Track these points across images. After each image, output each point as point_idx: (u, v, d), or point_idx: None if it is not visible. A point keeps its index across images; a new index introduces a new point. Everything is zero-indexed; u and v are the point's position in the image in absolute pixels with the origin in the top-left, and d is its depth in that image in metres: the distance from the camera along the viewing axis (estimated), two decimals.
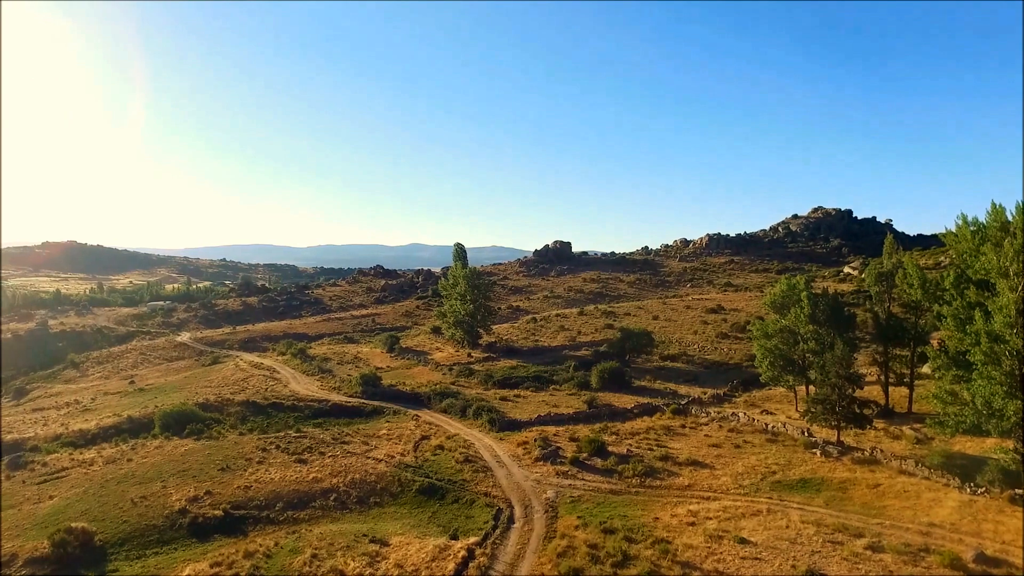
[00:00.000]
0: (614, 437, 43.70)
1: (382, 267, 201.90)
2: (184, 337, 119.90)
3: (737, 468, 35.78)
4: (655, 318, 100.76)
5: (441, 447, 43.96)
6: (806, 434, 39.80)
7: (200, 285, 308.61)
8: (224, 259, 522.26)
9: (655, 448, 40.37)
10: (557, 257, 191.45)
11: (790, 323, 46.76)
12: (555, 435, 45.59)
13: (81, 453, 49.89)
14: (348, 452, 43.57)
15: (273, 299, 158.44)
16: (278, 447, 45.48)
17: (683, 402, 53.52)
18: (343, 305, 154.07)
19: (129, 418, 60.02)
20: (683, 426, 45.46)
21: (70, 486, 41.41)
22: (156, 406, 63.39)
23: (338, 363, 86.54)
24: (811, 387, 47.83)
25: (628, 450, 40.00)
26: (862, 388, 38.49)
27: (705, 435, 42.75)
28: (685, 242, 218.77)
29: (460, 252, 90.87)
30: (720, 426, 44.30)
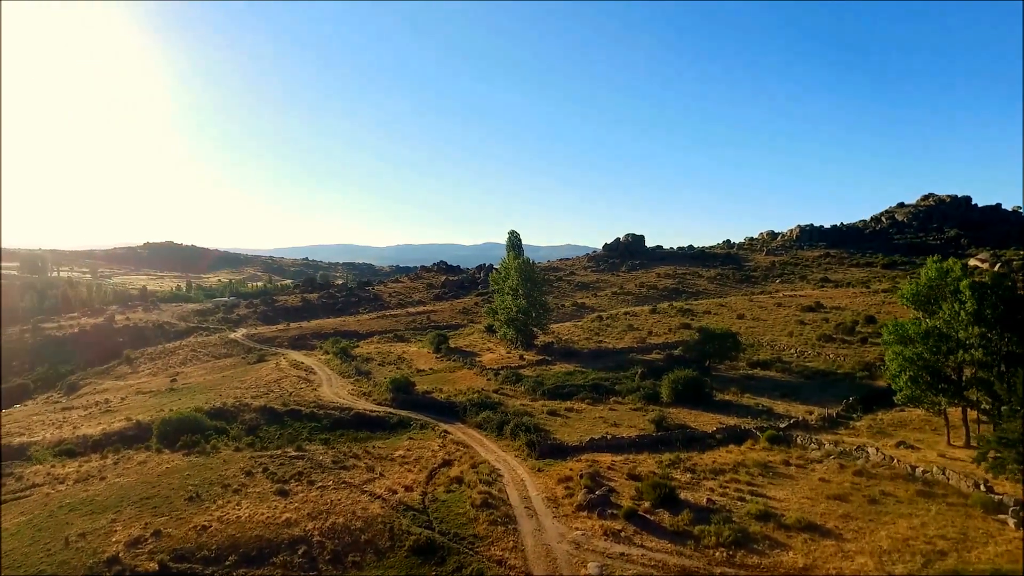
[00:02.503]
0: (689, 476, 32.28)
1: (445, 263, 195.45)
2: (237, 334, 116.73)
3: (880, 541, 23.66)
4: (740, 317, 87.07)
5: (460, 479, 34.04)
6: (981, 487, 26.89)
7: (282, 283, 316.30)
8: (306, 258, 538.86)
9: (748, 498, 28.66)
10: (629, 251, 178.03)
11: (941, 324, 33.58)
12: (610, 468, 34.69)
13: (64, 466, 43.75)
14: (343, 482, 34.46)
15: (332, 295, 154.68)
16: (266, 469, 37.10)
17: (782, 425, 41.10)
18: (401, 302, 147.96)
19: (138, 423, 54.25)
20: (786, 462, 33.29)
21: (20, 512, 34.63)
22: (171, 410, 57.58)
23: (380, 364, 78.85)
24: (970, 411, 34.43)
25: (709, 500, 28.54)
26: None
27: (820, 479, 30.51)
28: (773, 234, 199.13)
29: (514, 241, 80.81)
30: (841, 466, 31.80)
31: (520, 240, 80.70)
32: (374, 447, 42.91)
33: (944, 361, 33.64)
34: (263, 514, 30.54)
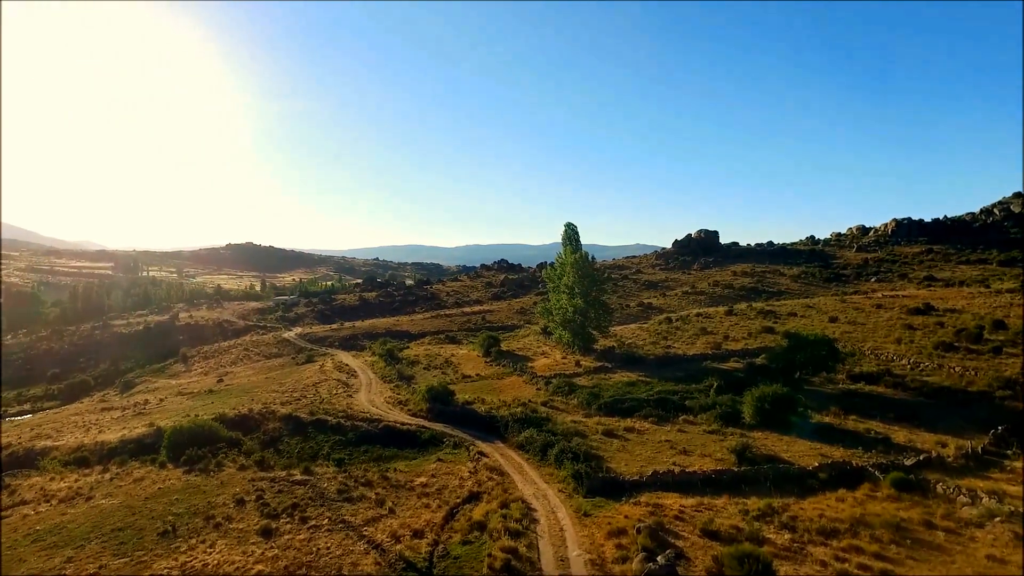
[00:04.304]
0: (788, 537, 23.76)
1: (506, 261, 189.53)
2: (291, 333, 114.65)
3: None
4: (833, 320, 75.58)
5: (482, 524, 26.89)
6: None
7: (352, 282, 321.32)
8: (377, 259, 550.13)
9: None
10: (701, 248, 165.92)
11: None
12: (678, 517, 26.59)
13: (62, 479, 39.95)
14: (341, 521, 28.09)
15: (390, 294, 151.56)
16: (260, 498, 31.38)
17: (908, 462, 31.53)
18: (458, 301, 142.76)
19: (157, 431, 50.25)
20: (928, 523, 24.12)
21: None
22: (196, 415, 53.68)
23: (425, 367, 73.15)
24: None
25: None
26: None
27: (989, 556, 21.27)
28: (864, 229, 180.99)
29: (570, 234, 72.94)
30: (1016, 535, 22.37)
31: (577, 233, 72.68)
32: (394, 470, 36.58)
33: None
34: (234, 562, 24.48)
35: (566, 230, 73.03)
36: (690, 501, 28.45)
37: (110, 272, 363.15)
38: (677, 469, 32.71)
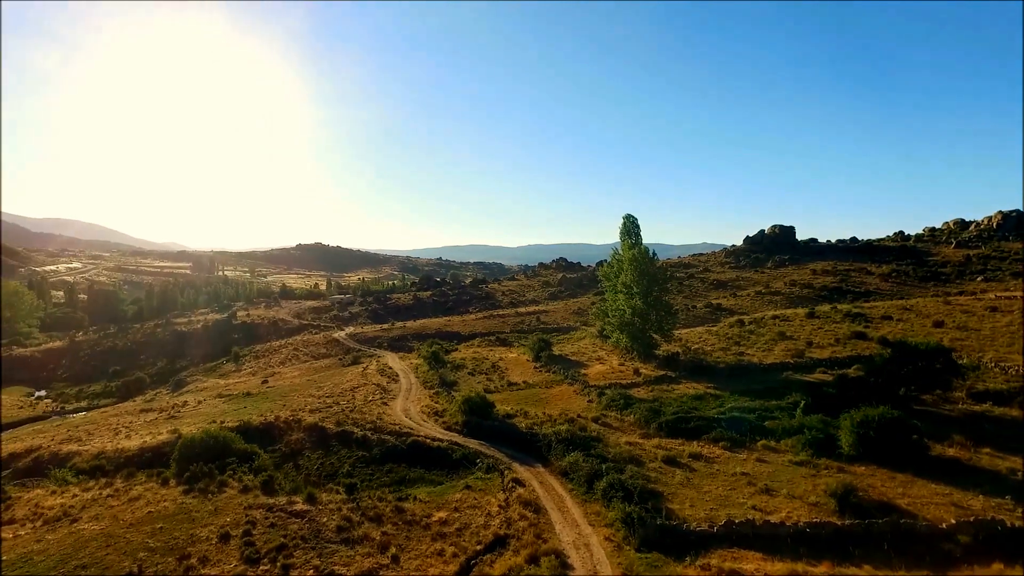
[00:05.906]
0: None
1: (565, 259, 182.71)
2: (342, 333, 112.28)
3: None
4: (938, 325, 65.26)
5: None
6: None
7: (414, 281, 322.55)
8: (440, 258, 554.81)
9: None
10: (775, 245, 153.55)
11: None
12: None
13: (61, 493, 36.69)
14: (329, 573, 22.72)
15: (444, 294, 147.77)
16: (248, 532, 26.56)
17: None
18: (514, 301, 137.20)
19: (178, 437, 47.18)
20: None
21: None
22: (222, 423, 50.50)
23: (470, 372, 67.88)
24: None
25: None
26: None
27: None
28: (963, 224, 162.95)
29: (629, 227, 65.62)
30: None
31: (637, 225, 65.23)
32: (413, 499, 31.13)
33: None
34: None
35: (624, 223, 65.83)
36: (778, 567, 21.47)
37: (188, 271, 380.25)
38: (759, 517, 25.58)
